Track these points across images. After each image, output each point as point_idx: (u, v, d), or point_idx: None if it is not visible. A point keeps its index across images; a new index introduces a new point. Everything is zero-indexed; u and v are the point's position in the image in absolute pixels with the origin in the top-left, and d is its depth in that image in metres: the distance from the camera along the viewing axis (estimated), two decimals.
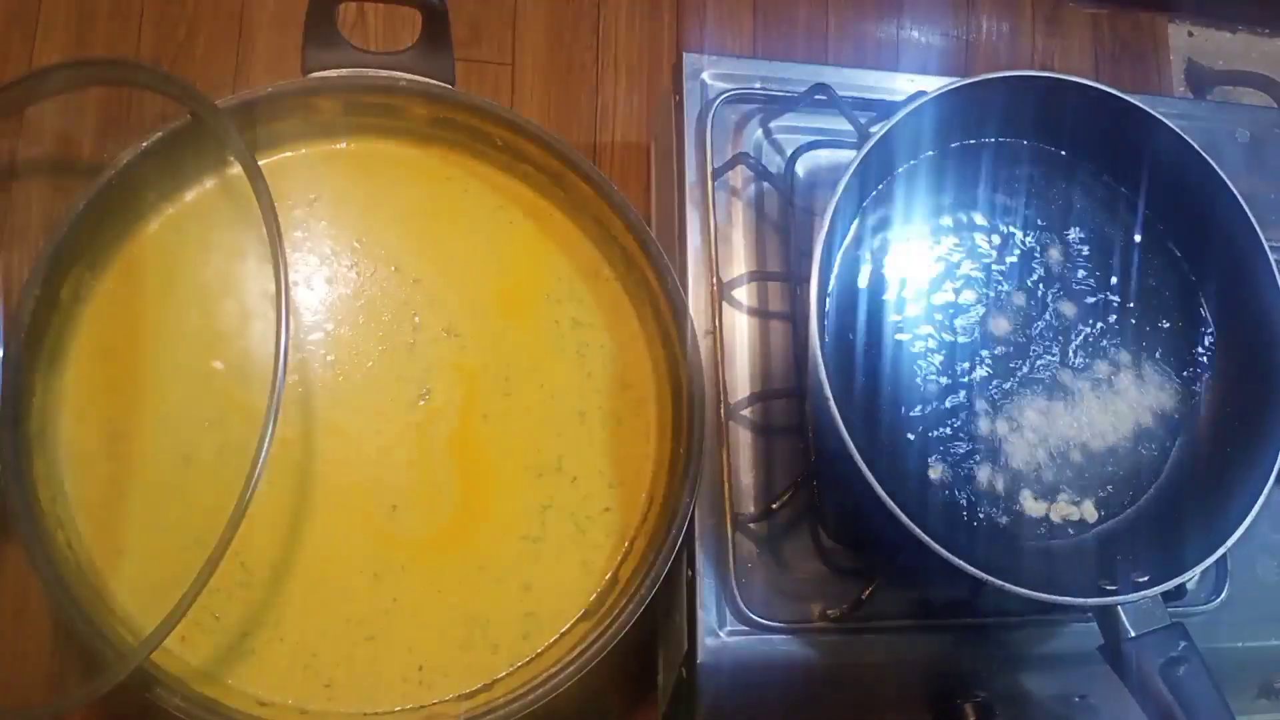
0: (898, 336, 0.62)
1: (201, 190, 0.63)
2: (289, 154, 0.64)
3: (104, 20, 0.77)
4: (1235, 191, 0.60)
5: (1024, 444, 0.62)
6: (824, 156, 0.69)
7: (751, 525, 0.62)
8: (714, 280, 0.65)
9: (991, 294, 0.64)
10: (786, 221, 0.68)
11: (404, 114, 0.65)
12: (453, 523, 0.61)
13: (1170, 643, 0.54)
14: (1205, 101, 0.97)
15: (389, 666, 0.58)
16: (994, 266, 0.65)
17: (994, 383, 0.63)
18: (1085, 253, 0.66)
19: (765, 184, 0.69)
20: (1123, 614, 0.54)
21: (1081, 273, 0.66)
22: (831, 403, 0.53)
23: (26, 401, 0.56)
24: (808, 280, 0.56)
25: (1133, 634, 0.54)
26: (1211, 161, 0.61)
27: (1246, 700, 0.68)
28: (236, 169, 0.60)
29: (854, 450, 0.52)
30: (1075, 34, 0.99)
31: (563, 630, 0.60)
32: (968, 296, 0.64)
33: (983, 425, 0.62)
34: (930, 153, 0.64)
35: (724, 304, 0.65)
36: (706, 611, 0.60)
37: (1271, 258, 0.60)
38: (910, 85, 0.70)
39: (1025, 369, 0.63)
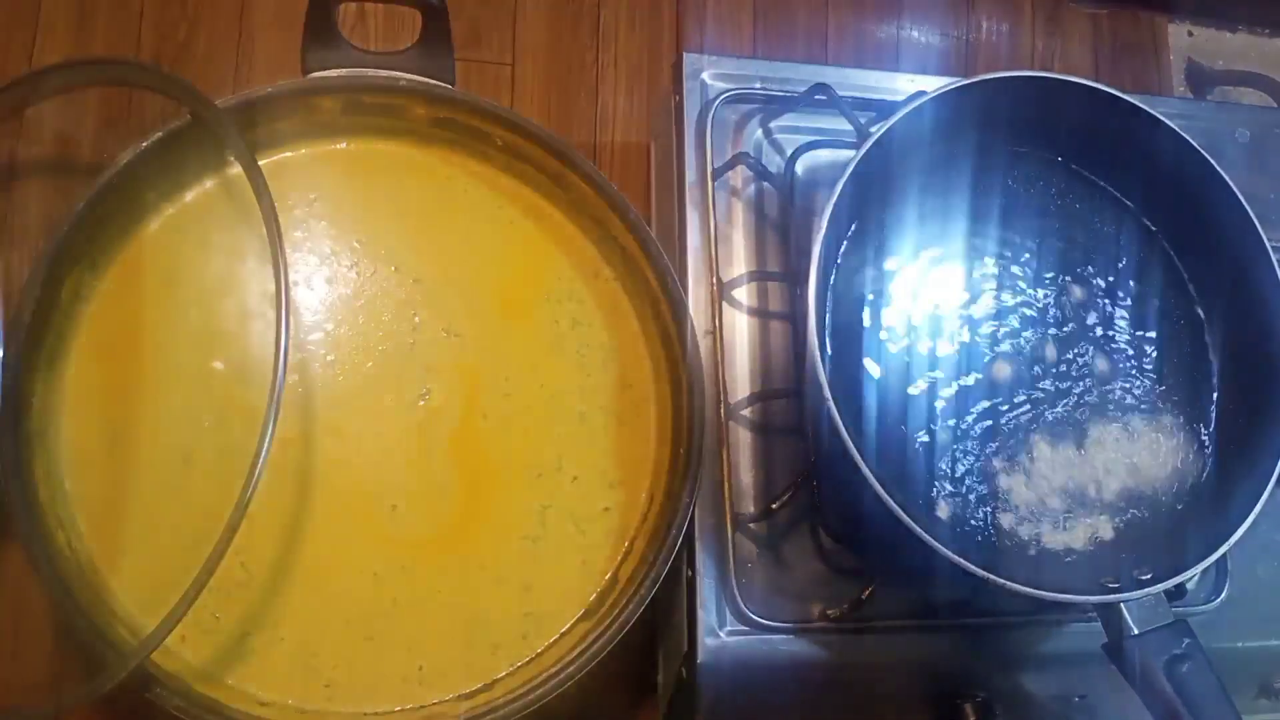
0: (899, 337, 0.62)
1: (201, 190, 0.63)
2: (289, 154, 0.64)
3: (104, 20, 0.77)
4: (1238, 193, 0.60)
5: (1026, 446, 0.62)
6: (824, 156, 0.69)
7: (751, 525, 0.62)
8: (714, 280, 0.65)
9: (993, 299, 0.64)
10: (786, 221, 0.68)
11: (404, 114, 0.65)
12: (453, 523, 0.61)
13: (1174, 640, 0.54)
14: (1205, 101, 0.97)
15: (389, 666, 0.58)
16: (996, 270, 0.65)
17: (997, 386, 0.63)
18: (1087, 262, 0.66)
19: (765, 184, 0.69)
20: (1126, 611, 0.54)
21: (1083, 283, 0.66)
22: (831, 403, 0.53)
23: (26, 401, 0.56)
24: (807, 280, 0.56)
25: (1136, 631, 0.54)
26: (1214, 163, 0.61)
27: (1246, 700, 0.68)
28: (236, 169, 0.60)
29: (854, 450, 0.52)
30: (1075, 34, 0.99)
31: (563, 630, 0.60)
32: (968, 297, 0.64)
33: (985, 428, 0.62)
34: (931, 154, 0.64)
35: (724, 304, 0.65)
36: (706, 611, 0.60)
37: (1274, 258, 0.60)
38: (910, 85, 0.70)
39: (1030, 371, 0.63)
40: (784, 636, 0.60)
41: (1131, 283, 0.66)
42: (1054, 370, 0.64)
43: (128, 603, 0.56)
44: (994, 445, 0.61)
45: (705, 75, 0.70)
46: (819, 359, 0.54)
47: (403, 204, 0.65)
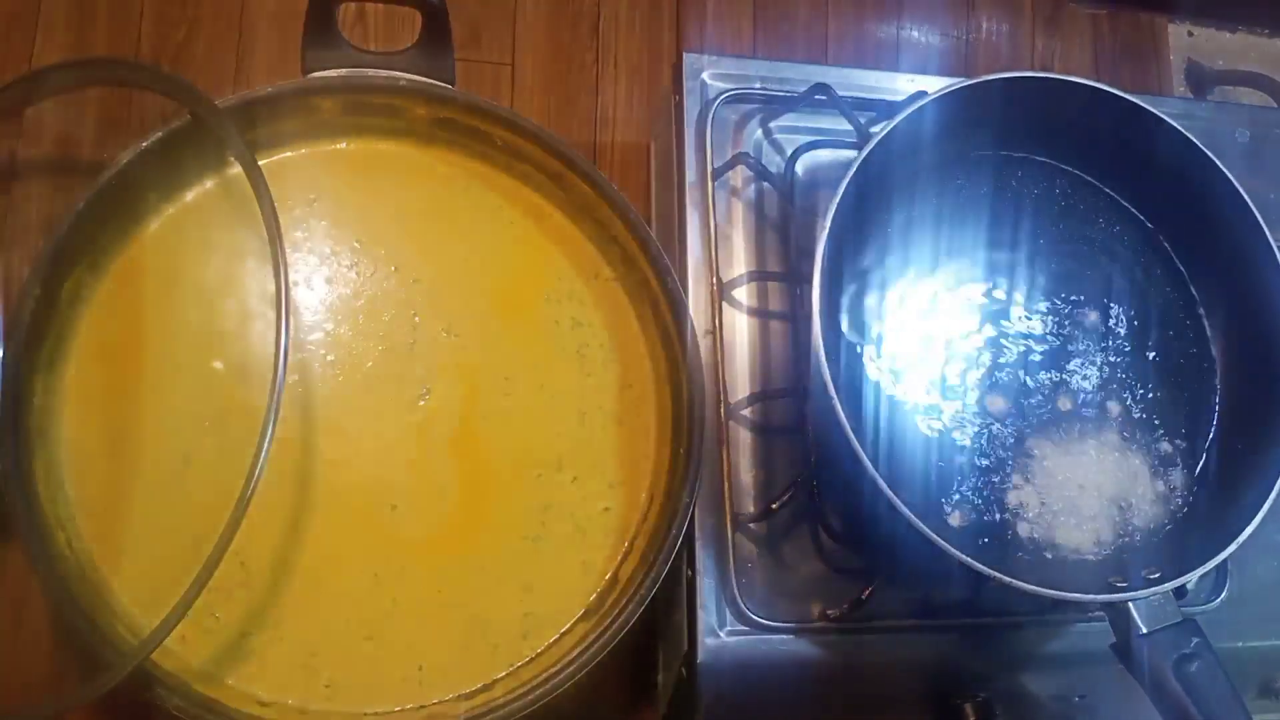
0: (903, 337, 0.62)
1: (201, 190, 0.63)
2: (289, 154, 0.64)
3: (104, 20, 0.77)
4: (1243, 193, 0.60)
5: (1030, 447, 0.62)
6: (824, 156, 0.69)
7: (751, 525, 0.62)
8: (714, 280, 0.65)
9: (996, 300, 0.64)
10: (786, 221, 0.68)
11: (404, 114, 0.65)
12: (453, 523, 0.61)
13: (1183, 639, 0.54)
14: (1205, 101, 0.97)
15: (389, 666, 0.58)
16: (999, 271, 0.65)
17: (1000, 389, 0.63)
18: (1090, 262, 0.66)
19: (765, 184, 0.69)
20: (1134, 611, 0.54)
21: (1086, 286, 0.66)
22: (836, 402, 0.53)
23: (26, 401, 0.56)
24: (809, 280, 0.55)
25: (1144, 630, 0.54)
26: (1218, 163, 0.61)
27: (1247, 700, 0.67)
28: (236, 169, 0.60)
29: (860, 451, 0.52)
30: (1075, 34, 0.99)
31: (563, 630, 0.60)
32: (971, 298, 0.64)
33: (990, 430, 0.62)
34: (934, 153, 0.64)
35: (724, 304, 0.65)
36: (706, 611, 0.60)
37: (1279, 256, 0.60)
38: (910, 85, 0.71)
39: (1035, 371, 0.63)
40: (784, 636, 0.60)
41: (1132, 283, 0.66)
42: (1058, 371, 0.64)
43: (128, 603, 0.56)
44: (998, 445, 0.62)
45: (705, 75, 0.70)
46: (824, 359, 0.54)
47: (403, 204, 0.65)
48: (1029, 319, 0.64)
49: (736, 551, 0.61)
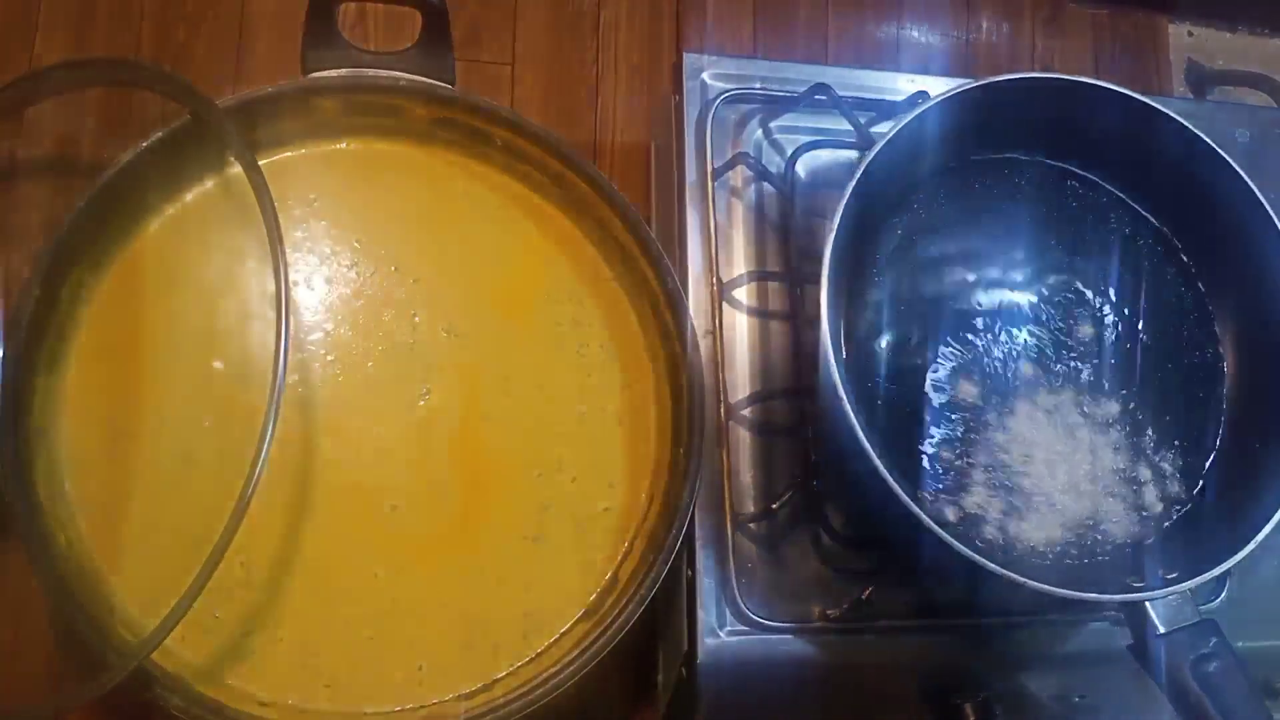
0: (908, 337, 0.62)
1: (201, 190, 0.63)
2: (289, 154, 0.64)
3: (104, 20, 0.77)
4: (1255, 189, 0.60)
5: (1035, 446, 0.62)
6: (824, 156, 0.69)
7: (751, 525, 0.62)
8: (714, 280, 0.65)
9: (1000, 301, 0.64)
10: (786, 221, 0.68)
11: (404, 114, 0.65)
12: (453, 523, 0.61)
13: (1201, 639, 0.54)
14: (1205, 101, 0.97)
15: (389, 666, 0.58)
16: (1002, 273, 0.65)
17: (1005, 387, 0.63)
18: (1098, 263, 0.66)
19: (765, 184, 0.69)
20: (1151, 610, 0.54)
21: (1097, 284, 0.66)
22: (846, 402, 0.53)
23: (27, 401, 0.56)
24: (816, 281, 0.55)
25: (1162, 630, 0.54)
26: (1233, 162, 0.61)
27: None
28: (236, 169, 0.60)
29: (871, 451, 0.52)
30: (1075, 34, 0.99)
31: (563, 630, 0.60)
32: (975, 299, 0.64)
33: (994, 434, 0.62)
34: (938, 154, 0.64)
35: (724, 304, 0.65)
36: (706, 611, 0.60)
37: None
38: (910, 85, 0.71)
39: (1039, 373, 0.63)
40: (784, 636, 0.60)
41: (1142, 282, 0.66)
42: (1062, 372, 0.64)
43: (128, 603, 0.56)
44: (1004, 446, 0.62)
45: (705, 75, 0.70)
46: (833, 360, 0.54)
47: (403, 204, 0.65)
48: (1037, 319, 0.64)
49: (736, 551, 0.61)
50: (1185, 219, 0.66)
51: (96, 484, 0.57)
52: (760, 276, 0.67)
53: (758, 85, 0.70)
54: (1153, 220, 0.67)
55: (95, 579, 0.56)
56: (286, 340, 0.53)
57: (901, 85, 0.72)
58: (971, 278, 0.64)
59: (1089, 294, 0.66)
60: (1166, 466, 0.63)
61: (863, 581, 0.60)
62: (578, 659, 0.56)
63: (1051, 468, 0.61)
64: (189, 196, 0.62)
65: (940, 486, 0.60)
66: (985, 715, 0.61)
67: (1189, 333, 0.66)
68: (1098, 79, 0.61)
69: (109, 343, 0.59)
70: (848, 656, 0.62)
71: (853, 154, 0.70)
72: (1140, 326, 0.66)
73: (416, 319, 0.63)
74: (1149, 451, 0.63)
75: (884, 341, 0.62)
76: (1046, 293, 0.65)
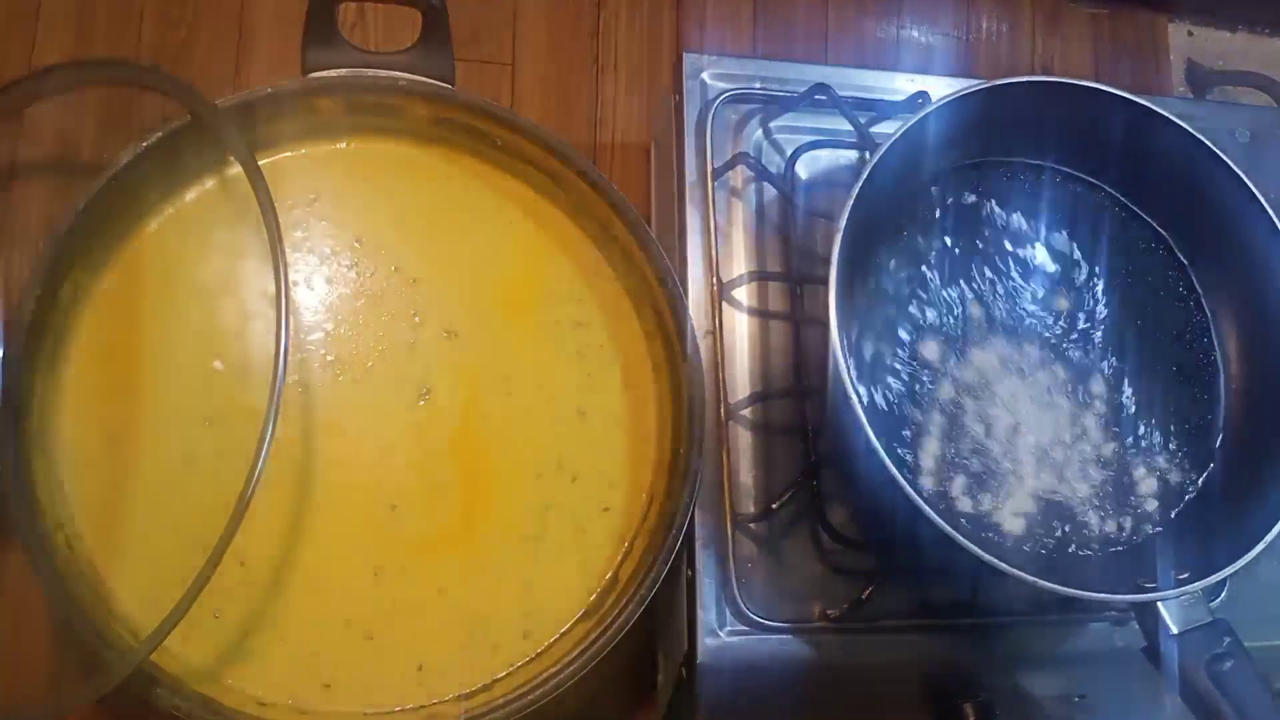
0: (912, 337, 0.62)
1: (201, 190, 0.63)
2: (289, 154, 0.64)
3: (104, 20, 0.77)
4: (1254, 188, 0.60)
5: (1044, 453, 0.62)
6: (824, 156, 0.69)
7: (751, 525, 0.62)
8: (714, 280, 0.65)
9: (1002, 300, 0.64)
10: (786, 221, 0.68)
11: (404, 114, 0.65)
12: (453, 523, 0.61)
13: (1214, 639, 0.53)
14: (1205, 101, 0.97)
15: (389, 666, 0.58)
16: (1005, 273, 0.65)
17: (1009, 387, 0.63)
18: (1098, 263, 0.66)
19: (765, 184, 0.69)
20: (1164, 611, 0.54)
21: (1095, 289, 0.66)
22: (855, 400, 0.53)
23: (26, 401, 0.56)
24: (824, 281, 0.55)
25: (1175, 631, 0.53)
26: (1230, 162, 0.61)
27: None
28: (236, 169, 0.60)
29: (879, 448, 0.52)
30: (1075, 34, 0.99)
31: (563, 630, 0.60)
32: (978, 300, 0.64)
33: (998, 431, 0.62)
34: (942, 154, 0.64)
35: (724, 304, 0.65)
36: (706, 611, 0.60)
37: None
38: (910, 85, 0.71)
39: (1044, 372, 0.63)
40: (784, 636, 0.60)
41: (1142, 285, 0.66)
42: (1067, 371, 0.64)
43: (128, 603, 0.56)
44: (1008, 445, 0.62)
45: (705, 75, 0.70)
46: (842, 359, 0.53)
47: (403, 204, 0.65)
48: (1040, 319, 0.64)
49: (736, 551, 0.61)
50: (1186, 219, 0.66)
51: (96, 484, 0.57)
52: (760, 276, 0.67)
53: (758, 85, 0.70)
54: (1151, 221, 0.67)
55: (95, 579, 0.56)
56: (286, 340, 0.53)
57: (901, 85, 0.72)
58: (972, 278, 0.64)
59: (1089, 294, 0.66)
60: (1170, 466, 0.63)
61: (863, 581, 0.60)
62: (578, 659, 0.56)
63: (1057, 467, 0.62)
64: (189, 196, 0.62)
65: (944, 486, 0.60)
66: (985, 715, 0.61)
67: (1189, 333, 0.66)
68: (1097, 79, 0.61)
69: (109, 343, 0.59)
70: (848, 656, 0.62)
71: (853, 154, 0.70)
72: (1140, 326, 0.66)
73: (416, 319, 0.63)
74: (1156, 453, 0.63)
75: (885, 341, 0.62)
76: (1045, 294, 0.65)
